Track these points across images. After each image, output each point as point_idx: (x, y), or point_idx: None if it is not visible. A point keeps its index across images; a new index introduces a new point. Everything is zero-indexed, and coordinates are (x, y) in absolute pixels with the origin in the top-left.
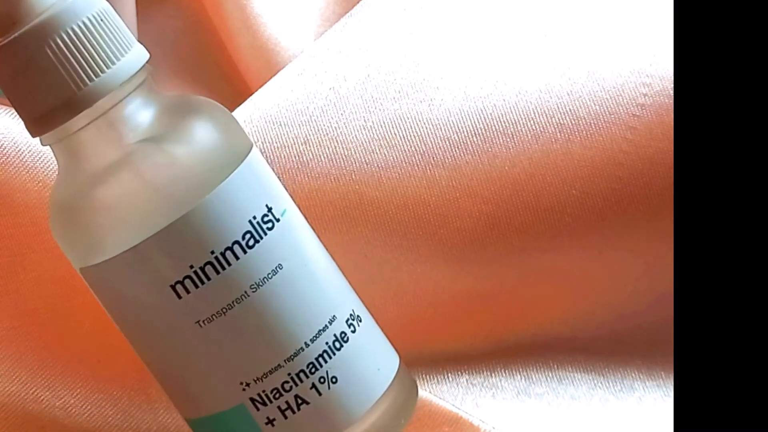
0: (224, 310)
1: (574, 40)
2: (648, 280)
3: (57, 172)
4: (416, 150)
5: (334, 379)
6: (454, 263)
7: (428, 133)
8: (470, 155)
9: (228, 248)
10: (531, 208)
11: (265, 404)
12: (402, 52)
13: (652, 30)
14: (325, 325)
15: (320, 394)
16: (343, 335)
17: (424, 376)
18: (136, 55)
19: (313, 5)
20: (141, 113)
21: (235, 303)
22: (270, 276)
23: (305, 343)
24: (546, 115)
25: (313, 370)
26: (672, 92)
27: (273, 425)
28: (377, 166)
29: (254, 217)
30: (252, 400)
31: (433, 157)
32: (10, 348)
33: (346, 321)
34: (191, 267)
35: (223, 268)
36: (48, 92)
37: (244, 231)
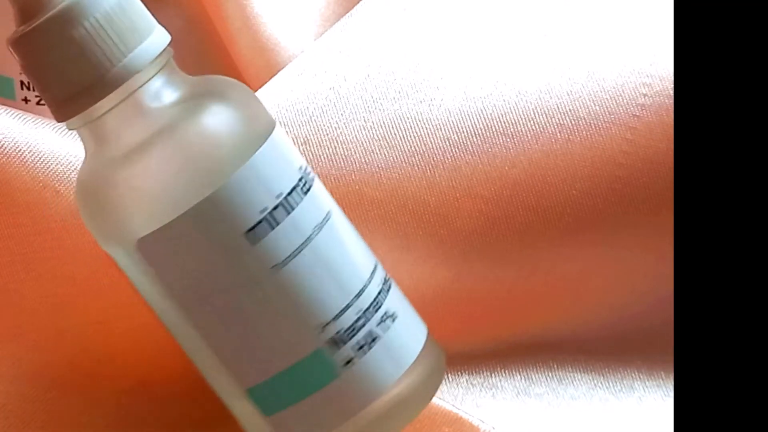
0: (296, 252)
1: (574, 40)
2: (648, 281)
3: (84, 158)
4: (416, 150)
5: (394, 316)
6: (454, 263)
7: (428, 133)
8: (470, 155)
9: (293, 189)
10: (531, 208)
11: (341, 345)
12: (402, 52)
13: (652, 30)
14: (375, 265)
15: (387, 329)
16: (386, 278)
17: None
18: (159, 36)
19: (313, 5)
20: (167, 92)
21: (304, 244)
22: (327, 219)
23: (367, 280)
24: (546, 115)
25: (377, 306)
26: (672, 92)
27: (350, 365)
28: (377, 166)
29: (301, 167)
30: (329, 341)
31: (433, 157)
32: (10, 348)
33: (380, 266)
34: (263, 210)
35: (293, 209)
36: (77, 74)
37: (299, 177)
